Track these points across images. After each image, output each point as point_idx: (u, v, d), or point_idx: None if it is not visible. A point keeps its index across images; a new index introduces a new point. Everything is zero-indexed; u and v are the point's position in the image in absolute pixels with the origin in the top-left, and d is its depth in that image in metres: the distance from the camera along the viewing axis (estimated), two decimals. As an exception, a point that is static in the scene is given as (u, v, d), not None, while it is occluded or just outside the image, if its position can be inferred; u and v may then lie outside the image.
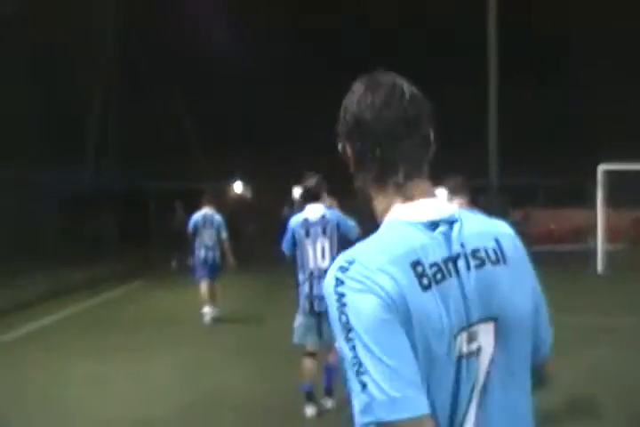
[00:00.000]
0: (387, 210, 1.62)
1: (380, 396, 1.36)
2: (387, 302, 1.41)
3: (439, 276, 1.48)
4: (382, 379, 1.37)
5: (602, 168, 18.26)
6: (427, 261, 1.48)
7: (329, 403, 6.46)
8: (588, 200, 21.02)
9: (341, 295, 1.43)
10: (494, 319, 1.54)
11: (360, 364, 1.38)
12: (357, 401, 1.39)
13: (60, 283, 15.24)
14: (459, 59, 25.92)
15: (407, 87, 1.63)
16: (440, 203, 1.62)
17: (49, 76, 21.59)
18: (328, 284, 1.47)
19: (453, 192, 5.51)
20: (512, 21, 22.10)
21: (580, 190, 22.76)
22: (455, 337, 1.47)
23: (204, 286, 11.45)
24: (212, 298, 11.48)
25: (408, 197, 1.60)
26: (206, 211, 11.68)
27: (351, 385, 1.41)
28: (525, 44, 27.04)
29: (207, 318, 11.32)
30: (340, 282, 1.45)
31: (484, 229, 1.62)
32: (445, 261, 1.51)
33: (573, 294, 13.72)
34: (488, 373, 1.53)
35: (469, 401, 1.50)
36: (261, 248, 18.97)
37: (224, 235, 11.58)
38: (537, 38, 27.50)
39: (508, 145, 21.14)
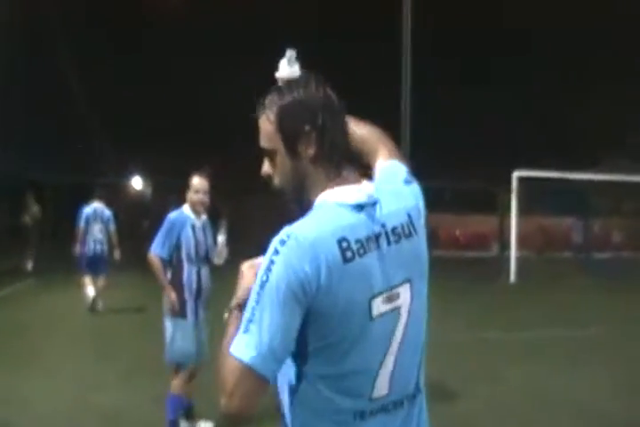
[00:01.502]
0: (319, 191, 1.85)
1: (253, 343, 1.68)
2: (303, 281, 1.69)
3: (361, 251, 1.75)
4: (260, 335, 1.68)
5: (517, 175, 18.19)
6: (352, 238, 1.75)
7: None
8: (499, 207, 21.04)
9: (272, 262, 1.72)
10: (409, 280, 1.85)
11: (253, 314, 1.70)
12: (237, 338, 1.71)
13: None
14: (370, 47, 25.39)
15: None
16: (364, 187, 1.86)
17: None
18: (269, 249, 1.74)
19: None
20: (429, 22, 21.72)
21: (490, 197, 22.80)
22: (372, 300, 1.76)
23: (87, 279, 11.79)
24: (97, 290, 11.73)
25: (339, 182, 1.84)
26: (96, 205, 12.06)
27: (242, 322, 1.72)
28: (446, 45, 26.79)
29: (96, 307, 11.66)
30: (276, 252, 1.72)
31: (398, 206, 1.89)
32: (368, 238, 1.78)
33: (490, 307, 13.43)
34: (406, 325, 1.84)
35: (388, 350, 1.82)
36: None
37: (112, 229, 12.08)
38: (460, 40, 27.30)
39: (421, 147, 20.80)
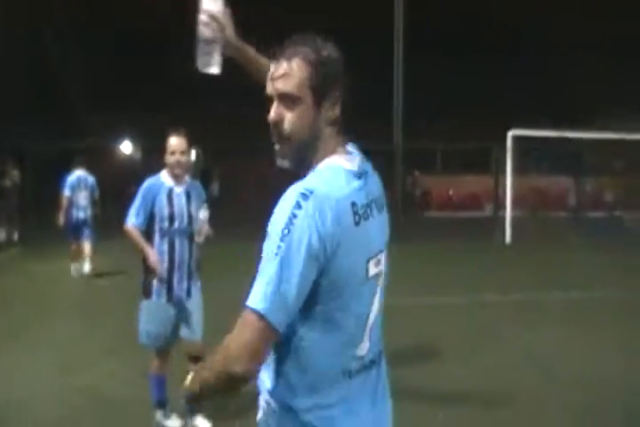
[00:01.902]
0: (326, 152, 1.94)
1: (269, 295, 1.73)
2: (325, 238, 1.76)
3: (365, 215, 1.88)
4: (277, 287, 1.73)
5: (512, 133, 17.89)
6: (359, 203, 1.87)
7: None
8: (492, 167, 20.76)
9: (294, 215, 1.75)
10: (385, 248, 2.04)
11: (272, 265, 1.74)
12: (255, 290, 1.76)
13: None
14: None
15: None
16: (358, 157, 2.00)
17: None
18: (287, 202, 1.78)
19: None
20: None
21: (483, 156, 22.51)
22: (368, 262, 1.91)
23: (74, 245, 11.99)
24: (82, 256, 11.93)
25: (345, 150, 1.98)
26: (79, 173, 12.06)
27: (259, 275, 1.77)
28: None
29: (76, 274, 11.89)
30: (298, 206, 1.76)
31: (377, 180, 2.07)
32: (366, 204, 1.91)
33: (488, 268, 13.22)
34: (381, 288, 2.03)
35: (371, 311, 1.97)
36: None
37: (96, 195, 12.17)
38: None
39: (413, 108, 20.42)
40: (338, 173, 1.87)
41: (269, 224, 1.80)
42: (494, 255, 15.39)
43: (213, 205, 5.22)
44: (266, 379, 1.94)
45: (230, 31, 2.31)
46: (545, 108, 25.35)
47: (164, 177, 4.98)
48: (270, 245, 1.76)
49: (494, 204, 21.07)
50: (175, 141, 4.90)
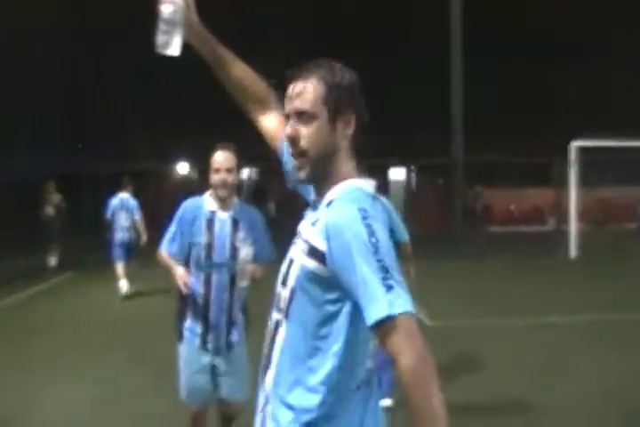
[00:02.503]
0: (343, 177, 2.00)
1: (404, 295, 1.77)
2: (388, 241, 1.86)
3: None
4: (399, 285, 1.78)
5: (575, 144, 17.18)
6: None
7: None
8: (554, 179, 20.09)
9: (370, 226, 1.82)
10: None
11: (387, 271, 1.77)
12: (383, 301, 1.74)
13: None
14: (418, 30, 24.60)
15: None
16: (371, 181, 2.04)
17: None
18: (351, 220, 1.83)
19: None
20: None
21: (546, 169, 21.84)
22: None
23: (119, 266, 12.16)
24: (128, 276, 12.12)
25: (358, 172, 2.05)
26: (122, 195, 12.41)
27: (372, 290, 1.76)
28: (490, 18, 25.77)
29: (123, 292, 11.95)
30: (366, 218, 1.83)
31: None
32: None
33: (552, 285, 12.55)
34: None
35: None
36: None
37: (137, 217, 12.36)
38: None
39: (471, 120, 19.93)
40: (367, 195, 1.96)
41: (343, 253, 1.82)
42: (558, 271, 14.68)
43: (269, 227, 4.47)
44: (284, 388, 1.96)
45: (193, 14, 2.25)
46: (609, 117, 24.48)
47: (207, 199, 4.23)
48: (367, 260, 1.78)
49: (557, 217, 20.37)
50: (220, 157, 4.15)
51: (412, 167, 25.27)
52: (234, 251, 4.12)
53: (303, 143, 1.97)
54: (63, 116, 25.31)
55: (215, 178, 4.15)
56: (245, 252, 4.07)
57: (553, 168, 20.16)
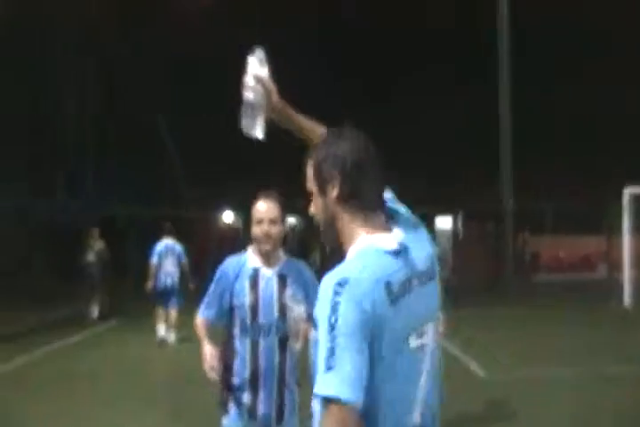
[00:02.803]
0: (353, 236, 2.05)
1: (337, 379, 1.78)
2: (367, 317, 1.84)
3: (401, 293, 1.94)
4: (343, 369, 1.78)
5: (629, 191, 16.80)
6: (395, 282, 1.93)
7: None
8: (605, 226, 19.65)
9: (336, 303, 1.84)
10: (431, 320, 2.08)
11: (333, 352, 1.80)
12: (320, 379, 1.80)
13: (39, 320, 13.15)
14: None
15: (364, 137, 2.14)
16: (396, 234, 2.04)
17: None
18: (326, 292, 1.87)
19: None
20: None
21: (593, 216, 21.42)
22: (410, 336, 1.96)
23: (160, 310, 12.24)
24: (169, 324, 12.16)
25: (372, 227, 2.05)
26: (167, 241, 12.45)
27: (317, 366, 1.83)
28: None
29: (159, 336, 12.08)
30: (336, 293, 1.85)
31: (422, 252, 2.10)
32: (405, 281, 1.96)
33: (605, 335, 12.08)
34: (431, 360, 2.05)
35: (419, 382, 2.00)
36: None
37: (183, 262, 12.44)
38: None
39: (519, 165, 19.65)
40: (371, 255, 1.96)
41: (315, 312, 1.91)
42: (611, 320, 14.18)
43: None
44: None
45: (275, 96, 2.40)
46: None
47: (250, 256, 3.84)
48: (322, 337, 1.84)
49: (608, 265, 19.86)
50: (263, 207, 3.75)
51: (460, 215, 25.04)
52: (283, 310, 3.74)
53: (316, 219, 2.15)
54: (106, 159, 25.69)
55: (257, 230, 3.76)
56: (297, 310, 3.75)
57: (604, 214, 19.73)
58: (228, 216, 31.19)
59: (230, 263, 3.86)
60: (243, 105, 2.37)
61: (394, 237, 2.01)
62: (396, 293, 1.91)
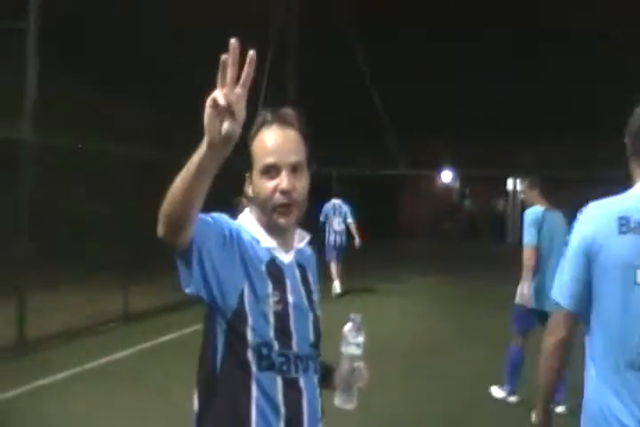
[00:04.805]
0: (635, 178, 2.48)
1: (557, 284, 2.42)
2: (586, 240, 2.32)
3: (633, 228, 2.26)
4: (562, 281, 2.39)
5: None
6: (631, 218, 2.29)
7: None
8: None
9: (573, 227, 2.42)
10: None
11: (562, 265, 2.41)
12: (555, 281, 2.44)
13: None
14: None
15: None
16: None
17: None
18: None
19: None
20: None
21: None
22: (638, 269, 2.24)
23: (333, 266, 13.26)
24: (339, 275, 13.26)
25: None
26: (335, 201, 13.65)
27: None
28: None
29: (337, 291, 12.99)
30: (576, 219, 2.42)
31: None
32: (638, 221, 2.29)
33: None
34: None
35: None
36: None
37: (350, 220, 13.39)
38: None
39: None
40: (629, 195, 2.46)
41: None
42: None
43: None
44: None
45: None
46: None
47: (253, 229, 2.19)
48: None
49: None
50: (278, 141, 2.14)
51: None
52: (316, 325, 2.26)
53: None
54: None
55: (267, 186, 2.12)
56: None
57: None
58: (446, 176, 29.60)
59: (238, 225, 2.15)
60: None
61: None
62: (629, 226, 2.28)
